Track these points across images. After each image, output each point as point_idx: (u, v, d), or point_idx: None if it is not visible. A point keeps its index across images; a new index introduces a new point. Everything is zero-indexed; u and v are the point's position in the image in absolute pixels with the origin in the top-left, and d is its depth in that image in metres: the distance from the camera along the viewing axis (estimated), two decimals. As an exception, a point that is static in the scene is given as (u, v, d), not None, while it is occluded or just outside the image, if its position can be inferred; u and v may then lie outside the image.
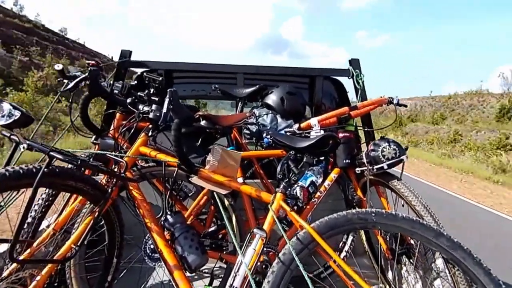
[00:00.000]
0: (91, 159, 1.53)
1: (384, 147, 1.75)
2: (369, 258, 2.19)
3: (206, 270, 2.02)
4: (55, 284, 1.49)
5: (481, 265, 1.15)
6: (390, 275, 2.10)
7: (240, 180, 2.02)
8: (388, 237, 1.92)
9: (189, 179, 1.55)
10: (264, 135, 2.06)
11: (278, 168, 1.58)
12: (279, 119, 2.33)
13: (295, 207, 1.60)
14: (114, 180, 1.40)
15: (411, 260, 1.82)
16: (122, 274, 1.77)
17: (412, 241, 1.78)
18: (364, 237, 2.26)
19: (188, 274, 1.41)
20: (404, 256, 1.84)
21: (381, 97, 2.18)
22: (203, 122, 1.96)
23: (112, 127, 1.96)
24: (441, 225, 1.54)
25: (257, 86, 2.41)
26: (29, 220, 1.73)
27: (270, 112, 2.34)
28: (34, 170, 1.12)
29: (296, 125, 2.07)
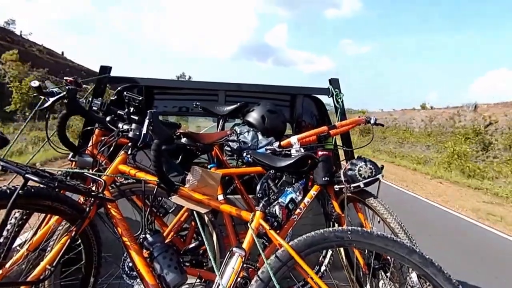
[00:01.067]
0: (68, 178, 1.52)
1: (360, 166, 1.81)
2: (347, 272, 2.22)
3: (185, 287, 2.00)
4: None
5: (451, 281, 1.20)
6: None
7: (221, 197, 2.03)
8: (365, 252, 1.96)
9: (169, 197, 1.56)
10: (245, 154, 2.09)
11: (258, 187, 1.60)
12: (260, 137, 2.36)
13: (275, 224, 1.62)
14: (92, 199, 1.39)
15: (387, 275, 1.86)
16: None
17: (388, 257, 1.82)
18: (343, 252, 2.30)
19: None
20: (380, 270, 1.88)
21: (359, 116, 2.25)
22: (184, 140, 1.98)
23: (90, 144, 1.95)
24: (414, 242, 1.59)
25: (238, 103, 2.45)
26: (1, 240, 1.69)
27: (251, 129, 2.38)
28: (8, 191, 1.09)
29: (277, 143, 2.11)
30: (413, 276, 1.61)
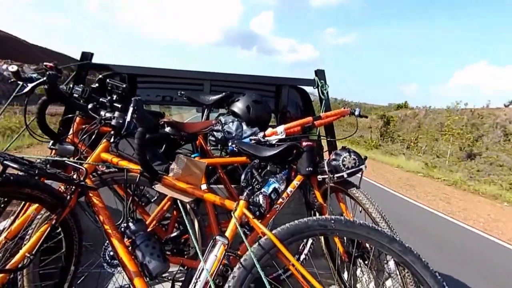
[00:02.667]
0: (48, 166, 1.50)
1: (344, 157, 1.85)
2: (327, 260, 2.28)
3: (167, 275, 2.02)
4: None
5: (428, 268, 1.25)
6: (346, 276, 2.20)
7: (204, 186, 2.04)
8: (345, 241, 2.01)
9: (153, 186, 1.56)
10: (230, 143, 2.10)
11: (242, 176, 1.62)
12: (245, 127, 2.37)
13: (257, 213, 1.65)
14: (73, 187, 1.38)
15: (365, 262, 1.92)
16: (80, 280, 1.74)
17: (367, 245, 1.88)
18: (323, 241, 2.35)
19: (148, 280, 1.41)
20: (359, 258, 1.94)
21: (343, 108, 2.29)
22: (168, 129, 1.97)
23: (71, 132, 1.92)
24: (394, 231, 1.65)
25: (224, 93, 2.45)
26: None
27: (236, 119, 2.39)
28: None
29: (261, 133, 2.12)
30: (391, 263, 1.67)
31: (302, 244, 2.28)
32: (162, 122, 1.97)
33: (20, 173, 1.19)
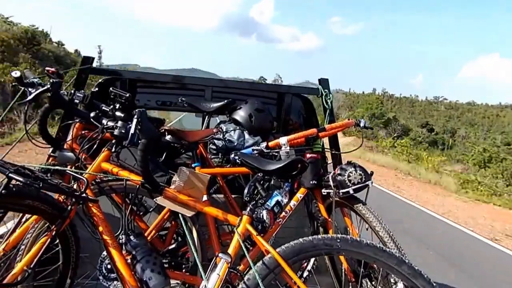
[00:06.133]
0: (49, 175, 1.51)
1: (350, 172, 1.86)
2: (331, 277, 2.28)
3: None
4: None
5: None
6: None
7: (205, 197, 2.05)
8: (351, 259, 2.01)
9: (154, 199, 1.57)
10: (233, 155, 2.11)
11: (246, 190, 1.63)
12: (247, 136, 2.39)
13: (260, 228, 1.66)
14: (73, 199, 1.39)
15: (372, 283, 1.92)
16: None
17: (374, 264, 1.89)
18: (327, 258, 2.36)
19: None
20: (366, 278, 1.94)
21: (348, 119, 2.31)
22: (168, 137, 1.98)
23: (69, 138, 1.93)
24: (403, 252, 1.66)
25: (225, 100, 2.47)
26: None
27: (238, 128, 2.40)
28: None
29: (264, 144, 2.13)
30: (399, 286, 1.68)
31: (305, 261, 2.28)
32: (163, 130, 1.97)
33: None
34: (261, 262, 1.33)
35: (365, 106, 48.20)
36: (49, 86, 1.51)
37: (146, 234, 1.88)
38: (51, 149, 1.88)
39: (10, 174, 1.09)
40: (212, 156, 2.42)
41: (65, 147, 1.85)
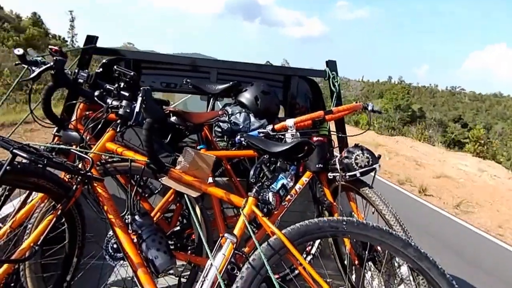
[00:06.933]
0: (54, 154, 1.52)
1: (357, 155, 1.85)
2: (335, 262, 2.30)
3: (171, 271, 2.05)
4: (12, 284, 1.47)
5: (445, 276, 1.27)
6: (353, 279, 2.22)
7: (210, 179, 2.05)
8: (355, 243, 2.03)
9: (159, 179, 1.57)
10: (238, 137, 2.11)
11: (251, 172, 1.63)
12: (252, 118, 2.38)
13: (265, 211, 1.66)
14: (79, 178, 1.40)
15: (376, 266, 1.94)
16: (81, 272, 1.77)
17: (379, 248, 1.89)
18: (331, 241, 2.37)
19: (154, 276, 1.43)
20: (370, 261, 1.96)
21: (355, 102, 2.29)
22: (173, 119, 1.98)
23: (74, 118, 1.93)
24: (409, 235, 1.66)
25: (231, 82, 2.45)
26: None
27: (243, 110, 2.39)
28: None
29: (270, 126, 2.13)
30: (403, 269, 1.69)
31: (309, 244, 2.29)
32: (168, 111, 1.97)
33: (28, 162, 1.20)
34: (266, 243, 1.33)
35: (389, 96, 44.53)
36: (52, 63, 1.50)
37: (151, 215, 1.90)
38: (55, 129, 1.89)
39: (15, 150, 1.10)
40: (217, 139, 2.42)
41: (70, 127, 1.86)
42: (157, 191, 2.13)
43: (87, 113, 2.00)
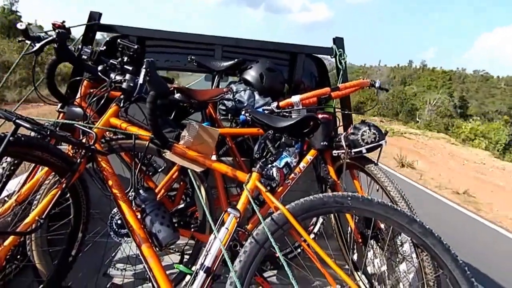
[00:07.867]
0: (57, 129, 1.52)
1: (364, 131, 1.84)
2: (337, 240, 2.31)
3: (173, 246, 2.07)
4: (17, 256, 1.50)
5: (449, 252, 1.26)
6: (356, 257, 2.24)
7: (214, 157, 2.06)
8: (358, 220, 2.03)
9: (162, 154, 1.57)
10: (243, 112, 2.10)
11: (255, 147, 1.62)
12: (257, 96, 2.36)
13: (269, 187, 1.66)
14: (83, 152, 1.40)
15: (379, 244, 1.94)
16: (86, 248, 1.79)
17: (382, 225, 1.90)
18: (333, 220, 2.38)
19: (157, 250, 1.45)
20: (372, 239, 1.96)
21: (362, 79, 2.26)
22: (177, 96, 1.97)
23: (78, 95, 1.93)
24: (414, 211, 1.66)
25: (236, 60, 2.43)
26: None
27: (248, 88, 2.37)
28: None
29: (275, 103, 2.11)
30: (406, 246, 1.69)
31: (311, 223, 2.30)
32: (172, 88, 1.96)
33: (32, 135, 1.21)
34: (270, 218, 1.33)
35: (426, 83, 38.76)
36: (55, 36, 1.49)
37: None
38: (59, 105, 1.89)
39: (17, 121, 1.10)
40: (221, 117, 2.41)
41: (75, 103, 1.85)
42: (161, 169, 2.13)
43: (91, 91, 2.00)
